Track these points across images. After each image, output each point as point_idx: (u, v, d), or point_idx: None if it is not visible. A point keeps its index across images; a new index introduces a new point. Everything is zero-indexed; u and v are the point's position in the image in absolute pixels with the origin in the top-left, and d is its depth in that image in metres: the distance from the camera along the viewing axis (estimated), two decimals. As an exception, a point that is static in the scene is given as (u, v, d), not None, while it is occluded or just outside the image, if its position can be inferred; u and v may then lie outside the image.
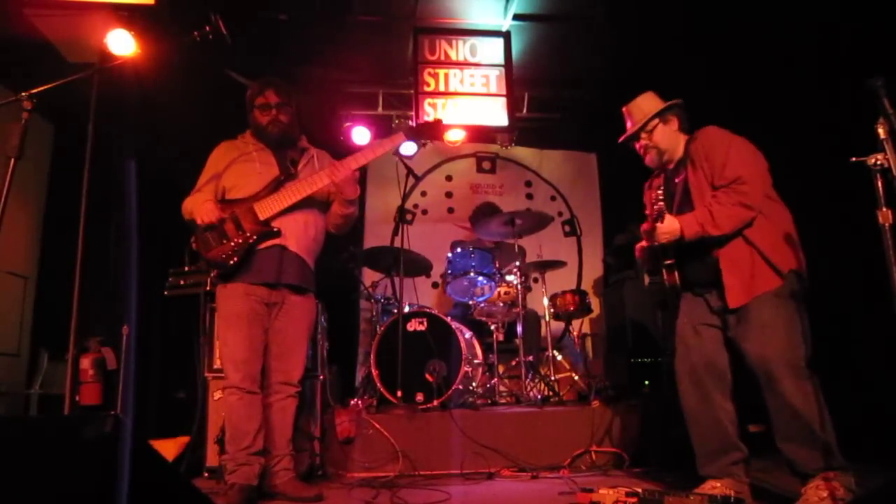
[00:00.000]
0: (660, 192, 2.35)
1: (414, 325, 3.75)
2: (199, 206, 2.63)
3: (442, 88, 4.83)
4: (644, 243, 2.59)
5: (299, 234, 2.71)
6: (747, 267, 2.32)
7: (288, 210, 2.67)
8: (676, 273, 2.50)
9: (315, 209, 2.81)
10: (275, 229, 2.64)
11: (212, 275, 2.86)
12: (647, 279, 4.59)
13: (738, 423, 2.42)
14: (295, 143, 2.87)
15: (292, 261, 2.68)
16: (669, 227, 2.36)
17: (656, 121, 2.58)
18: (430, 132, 2.58)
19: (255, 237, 2.62)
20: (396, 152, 4.97)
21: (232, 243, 2.61)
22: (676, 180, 2.55)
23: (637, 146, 2.65)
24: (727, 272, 2.35)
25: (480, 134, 5.45)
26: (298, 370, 2.74)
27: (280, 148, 2.80)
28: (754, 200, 2.32)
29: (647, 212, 2.63)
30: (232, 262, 2.60)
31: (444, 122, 4.80)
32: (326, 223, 2.89)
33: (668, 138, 2.58)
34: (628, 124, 2.67)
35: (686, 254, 2.46)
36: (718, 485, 2.35)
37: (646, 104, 2.62)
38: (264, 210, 2.65)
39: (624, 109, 2.69)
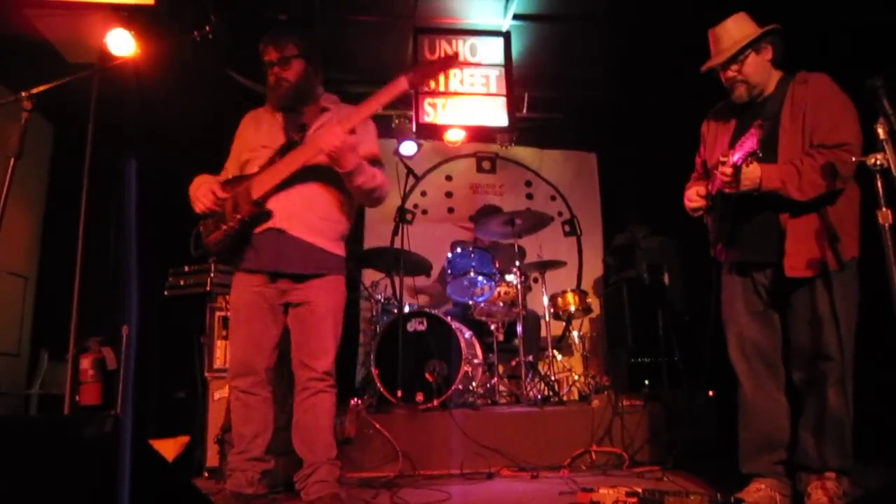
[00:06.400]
0: (756, 132, 1.98)
1: (414, 325, 3.75)
2: (195, 192, 2.37)
3: (442, 88, 4.82)
4: (699, 188, 2.36)
5: (301, 213, 2.31)
6: (815, 242, 2.09)
7: (284, 185, 2.27)
8: (727, 228, 2.24)
9: (326, 181, 2.35)
10: (266, 210, 2.28)
11: (211, 261, 2.57)
12: (647, 279, 4.59)
13: (791, 420, 2.26)
14: (312, 102, 2.43)
15: (292, 246, 2.29)
16: (752, 174, 2.06)
17: (749, 50, 2.25)
18: (434, 70, 2.31)
19: (247, 219, 2.28)
20: (396, 152, 5.00)
21: (226, 227, 2.30)
22: (759, 122, 2.05)
23: (723, 77, 2.32)
24: (792, 240, 2.11)
25: (480, 134, 5.43)
26: (324, 359, 2.30)
27: (292, 111, 2.39)
28: (849, 173, 2.05)
29: (719, 152, 2.30)
30: (223, 248, 2.33)
31: (443, 121, 4.79)
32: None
33: (760, 71, 2.27)
34: (714, 51, 2.32)
35: (745, 216, 2.21)
36: (763, 486, 2.19)
37: (738, 29, 2.27)
38: (258, 187, 2.27)
39: (711, 32, 2.34)
